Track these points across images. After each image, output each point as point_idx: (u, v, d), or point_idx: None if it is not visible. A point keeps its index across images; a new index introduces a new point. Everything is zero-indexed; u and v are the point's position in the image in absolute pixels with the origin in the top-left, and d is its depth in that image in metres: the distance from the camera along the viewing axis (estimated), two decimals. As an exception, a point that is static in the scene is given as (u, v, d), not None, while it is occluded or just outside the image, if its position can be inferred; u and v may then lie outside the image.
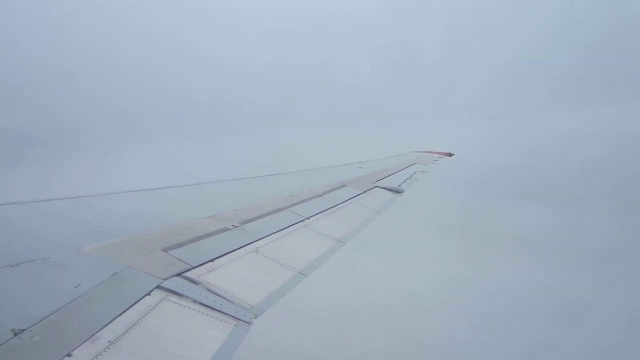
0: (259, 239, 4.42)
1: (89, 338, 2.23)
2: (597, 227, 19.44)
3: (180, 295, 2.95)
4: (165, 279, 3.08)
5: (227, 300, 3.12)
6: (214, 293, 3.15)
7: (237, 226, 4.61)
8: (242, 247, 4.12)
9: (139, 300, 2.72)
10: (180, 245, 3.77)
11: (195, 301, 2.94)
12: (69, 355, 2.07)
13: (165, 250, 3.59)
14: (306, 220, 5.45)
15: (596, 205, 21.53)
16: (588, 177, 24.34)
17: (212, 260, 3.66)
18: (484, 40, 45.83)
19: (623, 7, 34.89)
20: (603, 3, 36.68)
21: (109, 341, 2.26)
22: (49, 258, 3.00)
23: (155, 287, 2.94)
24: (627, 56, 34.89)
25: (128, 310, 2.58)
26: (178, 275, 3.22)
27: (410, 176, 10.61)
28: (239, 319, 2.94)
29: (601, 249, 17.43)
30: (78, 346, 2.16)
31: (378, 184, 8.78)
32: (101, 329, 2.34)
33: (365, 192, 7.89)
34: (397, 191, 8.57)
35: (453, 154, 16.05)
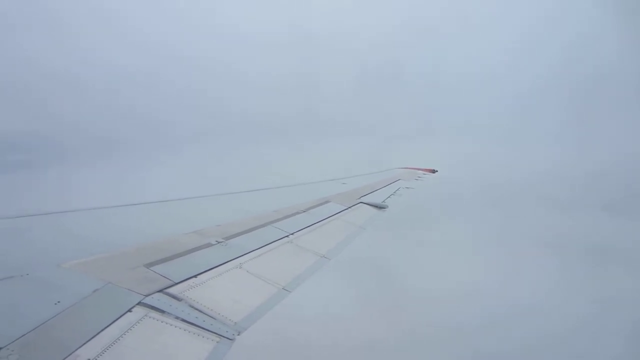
0: (243, 255, 4.41)
1: (68, 356, 2.21)
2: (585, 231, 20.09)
3: (162, 311, 2.93)
4: (147, 295, 3.06)
5: (210, 316, 3.11)
6: (197, 309, 3.13)
7: (221, 242, 4.59)
8: (226, 262, 4.10)
9: (120, 317, 2.70)
10: (162, 261, 3.74)
11: (177, 318, 2.92)
12: None
13: (148, 266, 3.56)
14: (290, 235, 5.46)
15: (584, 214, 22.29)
16: (575, 191, 25.09)
17: (195, 276, 3.63)
18: (468, 56, 47.00)
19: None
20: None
21: (89, 359, 2.24)
22: (27, 274, 2.95)
23: (137, 304, 2.91)
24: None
25: (108, 328, 2.56)
26: (160, 291, 3.19)
27: (394, 192, 10.73)
28: (222, 336, 2.92)
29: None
30: None
31: (362, 199, 8.85)
32: (80, 346, 2.31)
33: (349, 207, 7.93)
34: (381, 207, 8.65)
35: (437, 171, 16.30)
